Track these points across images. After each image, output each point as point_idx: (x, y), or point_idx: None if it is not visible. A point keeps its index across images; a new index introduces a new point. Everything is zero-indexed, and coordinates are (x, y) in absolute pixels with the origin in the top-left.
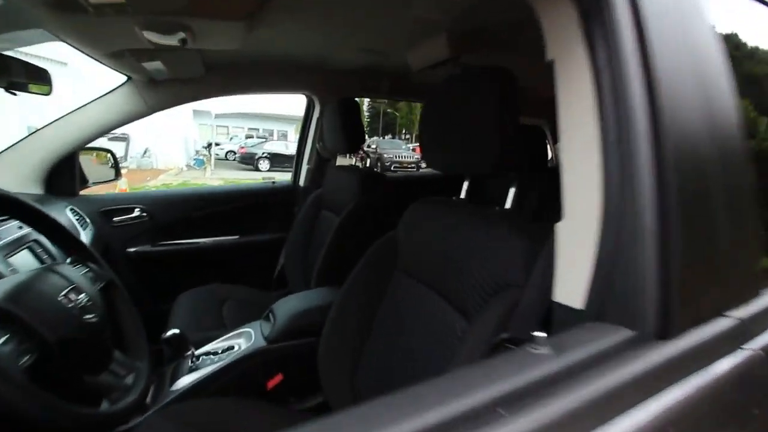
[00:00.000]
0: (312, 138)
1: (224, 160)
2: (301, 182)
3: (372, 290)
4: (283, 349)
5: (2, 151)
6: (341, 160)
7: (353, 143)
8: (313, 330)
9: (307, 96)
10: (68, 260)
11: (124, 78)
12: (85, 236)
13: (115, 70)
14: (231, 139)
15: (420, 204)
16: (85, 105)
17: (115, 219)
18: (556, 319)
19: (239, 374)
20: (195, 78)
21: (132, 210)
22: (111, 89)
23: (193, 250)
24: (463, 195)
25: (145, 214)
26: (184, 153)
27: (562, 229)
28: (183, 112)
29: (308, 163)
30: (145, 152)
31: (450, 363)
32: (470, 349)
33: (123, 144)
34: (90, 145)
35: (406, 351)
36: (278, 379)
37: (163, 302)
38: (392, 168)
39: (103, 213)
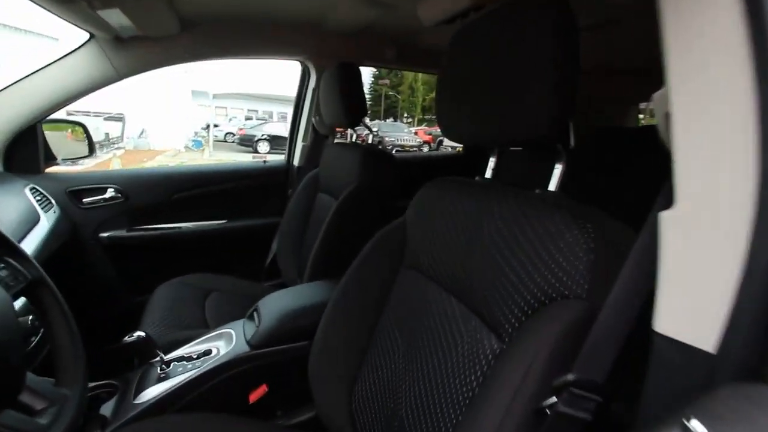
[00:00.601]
0: (307, 112)
1: (223, 141)
2: (296, 161)
3: (373, 289)
4: (268, 356)
5: None
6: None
7: (354, 115)
8: (305, 333)
9: (301, 63)
10: None
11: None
12: (47, 219)
13: (74, 24)
14: (230, 120)
15: (435, 184)
16: (42, 69)
17: (84, 200)
18: (658, 360)
19: (216, 385)
20: (169, 37)
21: (104, 190)
22: (71, 50)
23: (173, 236)
24: (488, 174)
25: (119, 194)
26: (181, 134)
27: (674, 222)
28: (181, 91)
29: (303, 140)
30: (141, 133)
31: (477, 395)
32: (509, 383)
33: (119, 124)
34: (63, 117)
35: (416, 367)
36: (262, 390)
37: (140, 294)
38: (394, 152)
39: (72, 193)
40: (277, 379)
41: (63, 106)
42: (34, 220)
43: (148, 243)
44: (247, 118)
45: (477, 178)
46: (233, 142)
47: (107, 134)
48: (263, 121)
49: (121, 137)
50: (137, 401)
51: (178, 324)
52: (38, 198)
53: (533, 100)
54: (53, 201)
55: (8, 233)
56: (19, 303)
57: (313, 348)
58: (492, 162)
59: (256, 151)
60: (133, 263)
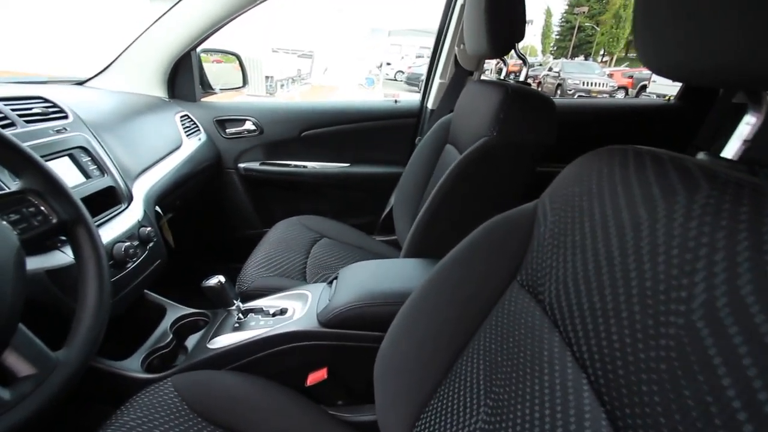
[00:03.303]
0: (450, 40)
1: (393, 80)
2: (430, 104)
3: (472, 297)
4: (333, 337)
5: (126, 48)
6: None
7: (501, 40)
8: (380, 323)
9: None
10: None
11: None
12: (189, 145)
13: None
14: (402, 58)
15: (600, 157)
16: None
17: (228, 130)
18: None
19: (279, 353)
20: None
21: (244, 122)
22: None
23: (297, 175)
24: (734, 149)
25: (256, 128)
26: (358, 72)
27: None
28: (359, 30)
29: (441, 77)
30: (325, 70)
31: None
32: None
33: (309, 61)
34: (215, 47)
35: (511, 420)
36: (321, 375)
37: (266, 225)
38: (576, 97)
39: (218, 122)
40: (339, 366)
41: (214, 30)
42: (176, 145)
43: (276, 179)
44: (418, 56)
45: (701, 154)
46: (401, 80)
47: (299, 70)
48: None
49: (310, 73)
50: (210, 345)
51: (278, 267)
52: (186, 125)
53: None
54: (201, 128)
55: (144, 157)
56: None
57: (383, 348)
58: (747, 126)
59: (419, 90)
60: (264, 196)
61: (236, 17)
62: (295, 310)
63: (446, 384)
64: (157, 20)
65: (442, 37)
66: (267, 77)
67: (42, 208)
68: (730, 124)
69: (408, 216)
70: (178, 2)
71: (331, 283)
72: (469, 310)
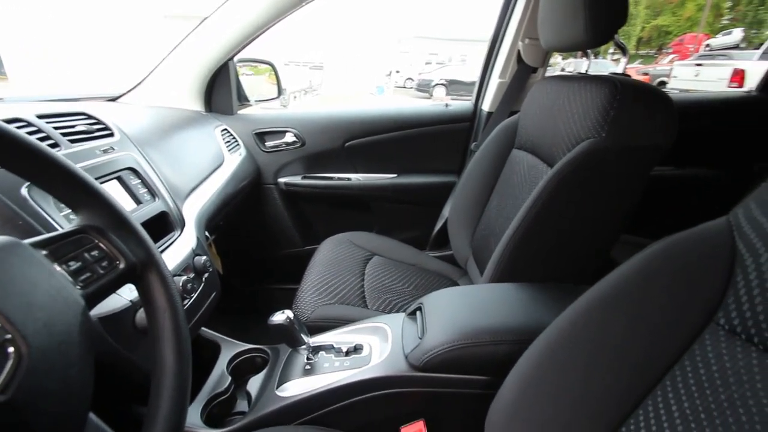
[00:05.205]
0: (513, 36)
1: (402, 87)
2: (485, 106)
3: (647, 345)
4: (431, 383)
5: (160, 63)
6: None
7: (605, 27)
8: (486, 365)
9: None
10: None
11: None
12: (231, 162)
13: None
14: (410, 65)
15: None
16: (223, 5)
17: (267, 143)
18: None
19: (364, 402)
20: None
21: (284, 134)
22: None
23: (342, 188)
24: None
25: (297, 139)
26: (368, 80)
27: None
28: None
29: (501, 77)
30: (336, 80)
31: None
32: None
33: (320, 72)
34: (249, 57)
35: None
36: (418, 429)
37: (309, 243)
38: None
39: (258, 135)
40: (437, 418)
41: (251, 40)
42: (219, 162)
43: (319, 193)
44: (427, 63)
45: None
46: (411, 87)
47: (310, 81)
48: (442, 65)
49: (321, 84)
50: (280, 393)
51: (335, 293)
52: (226, 139)
53: None
54: (240, 142)
55: (191, 175)
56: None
57: (504, 394)
58: None
59: (431, 97)
60: (305, 211)
61: (275, 24)
62: (372, 347)
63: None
64: (192, 31)
65: (501, 33)
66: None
67: (105, 249)
68: None
69: (467, 229)
70: (216, 11)
71: (413, 314)
72: (645, 359)
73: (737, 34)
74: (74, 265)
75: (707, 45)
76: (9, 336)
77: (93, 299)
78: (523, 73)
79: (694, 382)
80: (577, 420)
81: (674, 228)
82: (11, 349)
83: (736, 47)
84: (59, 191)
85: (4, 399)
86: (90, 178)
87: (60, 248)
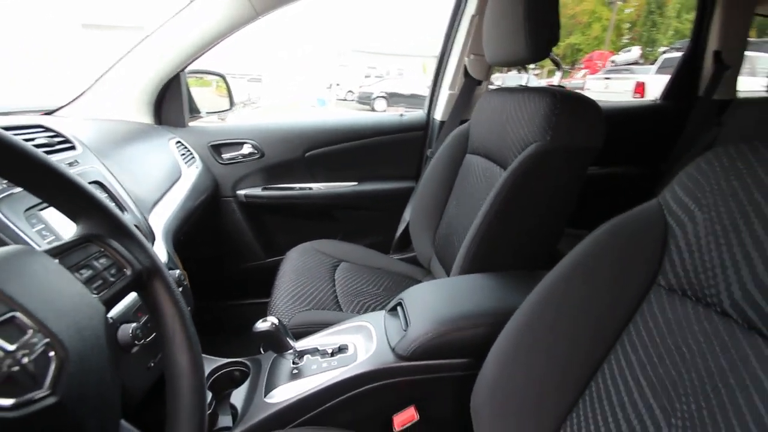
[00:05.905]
0: (460, 50)
1: (344, 100)
2: (437, 115)
3: (604, 308)
4: (418, 371)
5: (103, 75)
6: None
7: (543, 43)
8: (465, 348)
9: None
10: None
11: None
12: (189, 174)
13: None
14: (349, 78)
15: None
16: (178, 13)
17: (224, 155)
18: None
19: (355, 397)
20: None
21: (242, 145)
22: None
23: (304, 198)
24: None
25: (256, 151)
26: (308, 92)
27: None
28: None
29: (451, 88)
30: (274, 92)
31: None
32: None
33: (258, 85)
34: (198, 68)
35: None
36: (410, 415)
37: (272, 255)
38: None
39: (213, 147)
40: (427, 402)
41: (204, 51)
42: (177, 175)
43: (280, 203)
44: (366, 76)
45: None
46: (353, 100)
47: (249, 94)
48: (381, 78)
49: (260, 97)
50: (268, 400)
51: (309, 299)
52: (182, 152)
53: None
54: (196, 155)
55: (152, 188)
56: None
57: (485, 373)
58: None
59: (373, 109)
60: (266, 223)
61: (229, 36)
62: (357, 345)
63: (585, 402)
64: (139, 42)
65: (448, 49)
66: None
67: (111, 257)
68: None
69: (429, 230)
70: (165, 23)
71: (393, 310)
72: (602, 322)
73: (636, 51)
74: (86, 272)
75: (612, 61)
76: (47, 340)
77: (108, 306)
78: (470, 85)
79: (646, 334)
80: (548, 387)
81: (603, 218)
82: (52, 353)
83: (636, 63)
84: (58, 200)
85: (56, 400)
86: (88, 186)
87: (70, 257)
